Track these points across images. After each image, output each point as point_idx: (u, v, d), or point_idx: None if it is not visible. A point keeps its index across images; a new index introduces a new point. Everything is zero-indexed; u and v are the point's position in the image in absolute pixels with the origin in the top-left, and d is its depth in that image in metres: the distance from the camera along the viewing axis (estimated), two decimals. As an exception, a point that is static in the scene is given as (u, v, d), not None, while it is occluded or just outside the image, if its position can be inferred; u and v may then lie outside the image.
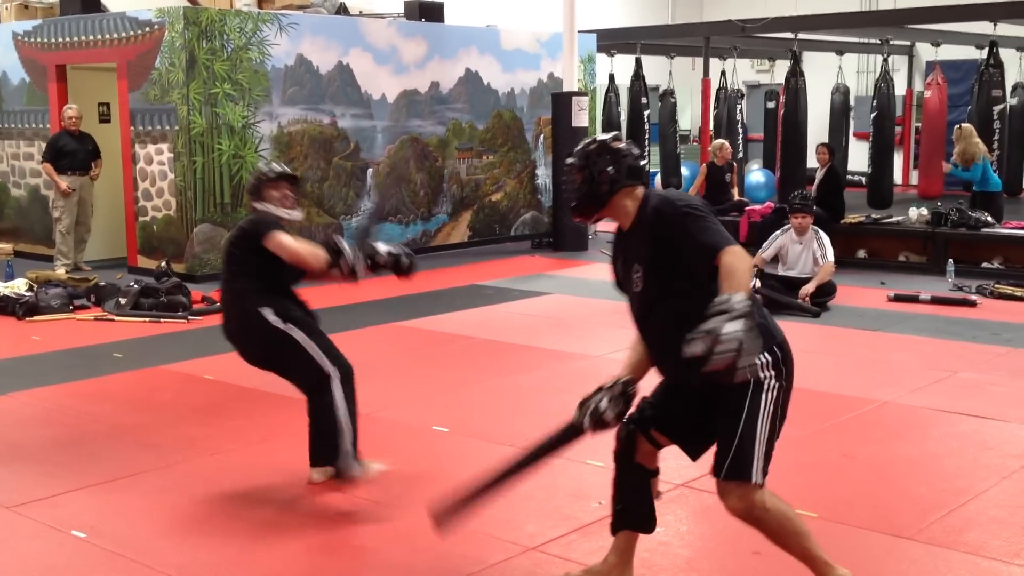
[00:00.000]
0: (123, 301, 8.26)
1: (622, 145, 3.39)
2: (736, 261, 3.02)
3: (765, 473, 3.21)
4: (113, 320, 8.04)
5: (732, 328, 2.79)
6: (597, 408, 3.35)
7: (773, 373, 3.24)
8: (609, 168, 3.30)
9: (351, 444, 4.40)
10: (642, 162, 3.41)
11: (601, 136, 3.44)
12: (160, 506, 4.32)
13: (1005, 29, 13.72)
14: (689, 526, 4.13)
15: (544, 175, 12.83)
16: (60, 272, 9.59)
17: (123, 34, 10.11)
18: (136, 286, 8.34)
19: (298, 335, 4.40)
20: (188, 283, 8.89)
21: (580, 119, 11.95)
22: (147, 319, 7.99)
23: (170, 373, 6.48)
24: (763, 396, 3.20)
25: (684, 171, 16.60)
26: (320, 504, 4.33)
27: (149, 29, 9.88)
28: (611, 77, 15.68)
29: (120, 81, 10.20)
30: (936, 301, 8.57)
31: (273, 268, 4.44)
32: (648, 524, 3.52)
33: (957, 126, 11.26)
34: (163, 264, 9.18)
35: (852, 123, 17.13)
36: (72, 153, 10.21)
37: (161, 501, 4.37)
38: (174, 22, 9.68)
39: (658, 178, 16.49)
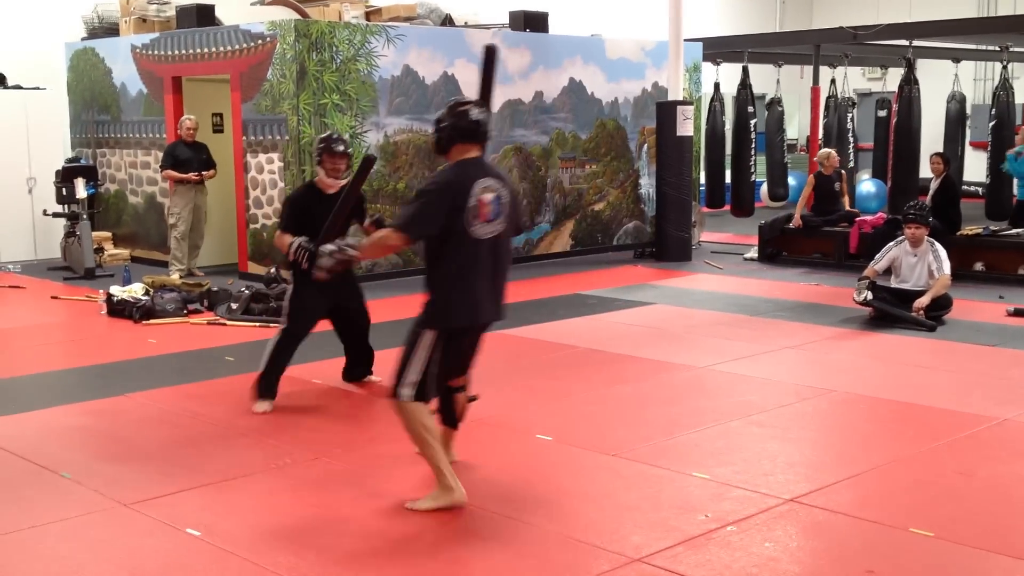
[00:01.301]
0: (234, 306, 8.46)
1: (468, 108, 4.29)
2: (381, 236, 4.37)
3: (416, 390, 4.26)
4: (225, 324, 8.25)
5: (327, 259, 4.70)
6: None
7: (431, 330, 4.28)
8: (445, 123, 4.29)
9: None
10: (480, 127, 4.27)
11: (461, 98, 4.40)
12: (271, 507, 4.41)
13: None
14: (799, 542, 4.03)
15: (647, 185, 12.74)
16: (175, 277, 9.89)
17: (236, 46, 10.38)
18: (247, 291, 8.54)
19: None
20: (296, 289, 9.06)
21: (685, 128, 11.83)
22: (257, 323, 8.18)
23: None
24: (419, 338, 4.28)
25: (791, 181, 16.30)
26: (428, 511, 4.35)
27: (261, 42, 10.13)
28: (716, 86, 15.48)
29: (233, 92, 10.48)
30: (1058, 316, 8.24)
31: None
32: (451, 422, 4.77)
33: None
34: (272, 270, 9.38)
35: (968, 132, 16.59)
36: (187, 162, 10.52)
37: (272, 502, 4.46)
38: (285, 35, 9.91)
39: (764, 187, 16.23)
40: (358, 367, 6.43)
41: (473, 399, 4.91)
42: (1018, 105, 16.02)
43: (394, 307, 9.19)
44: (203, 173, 10.56)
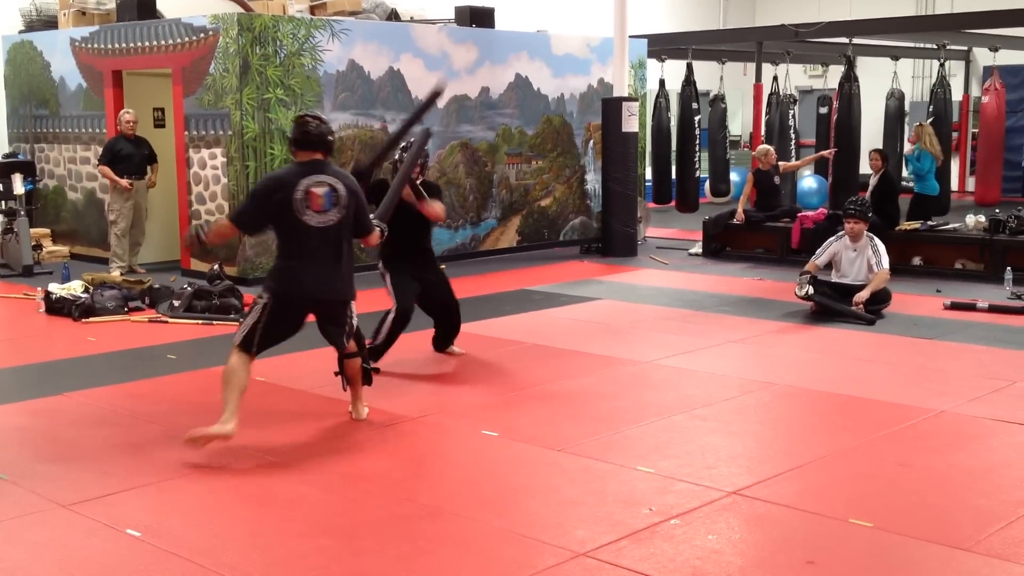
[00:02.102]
0: (176, 303, 8.36)
1: (306, 121, 5.12)
2: (221, 222, 5.50)
3: (242, 340, 5.07)
4: (167, 322, 8.15)
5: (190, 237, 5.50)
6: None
7: (266, 295, 5.06)
8: (290, 133, 5.25)
9: None
10: (309, 137, 5.07)
11: (306, 112, 5.31)
12: (213, 506, 4.36)
13: (1065, 33, 13.46)
14: (742, 534, 4.08)
15: (593, 180, 12.80)
16: (115, 274, 9.74)
17: (178, 40, 10.25)
18: (189, 289, 8.44)
19: None
20: (240, 286, 8.98)
21: (630, 124, 11.91)
22: (200, 321, 8.09)
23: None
24: (256, 301, 5.11)
25: (734, 177, 16.48)
26: (371, 507, 4.34)
27: (204, 35, 10.01)
28: (661, 82, 15.61)
29: (175, 86, 10.35)
30: (994, 309, 8.42)
31: None
32: (346, 383, 5.53)
33: (919, 124, 11.55)
34: (215, 267, 9.28)
35: (907, 129, 16.90)
36: (128, 157, 10.37)
37: (214, 501, 4.42)
38: (228, 28, 9.80)
39: (708, 184, 16.39)
40: (442, 339, 6.99)
41: (373, 370, 5.65)
42: (955, 102, 16.36)
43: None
44: (145, 177, 10.44)
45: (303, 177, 5.02)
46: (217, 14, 10.10)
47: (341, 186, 5.10)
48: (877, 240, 8.53)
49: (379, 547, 3.92)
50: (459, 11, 12.19)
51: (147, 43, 10.51)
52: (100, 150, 10.67)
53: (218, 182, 10.07)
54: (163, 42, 10.37)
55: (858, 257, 8.43)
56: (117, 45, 10.80)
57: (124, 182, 10.30)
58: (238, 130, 9.82)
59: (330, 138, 5.18)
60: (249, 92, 9.78)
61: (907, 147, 10.85)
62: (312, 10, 11.63)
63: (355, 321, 5.37)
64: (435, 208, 6.48)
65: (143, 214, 10.59)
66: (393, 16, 11.72)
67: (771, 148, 12.10)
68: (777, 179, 11.76)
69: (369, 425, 5.47)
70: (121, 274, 9.89)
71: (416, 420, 5.56)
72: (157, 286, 8.94)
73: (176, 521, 4.17)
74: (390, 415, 5.63)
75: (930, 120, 14.29)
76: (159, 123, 11.31)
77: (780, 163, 11.92)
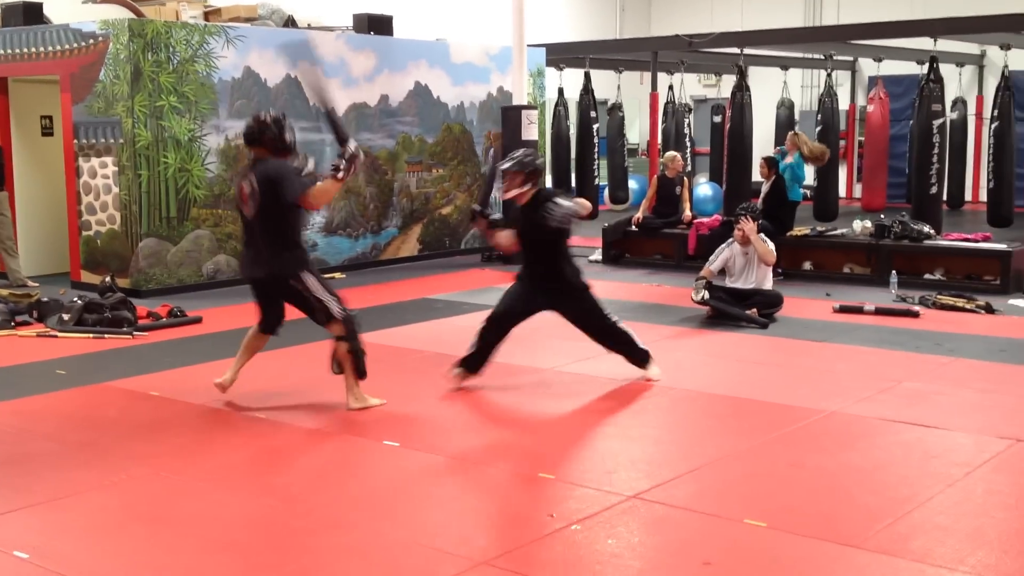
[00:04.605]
0: (66, 317, 8.11)
1: (268, 121, 5.70)
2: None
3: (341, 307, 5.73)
4: (56, 336, 7.90)
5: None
6: None
7: (306, 272, 5.70)
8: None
9: None
10: (263, 134, 5.65)
11: (259, 114, 5.78)
12: (105, 525, 4.25)
13: (944, 45, 14.01)
14: (641, 537, 4.14)
15: (494, 189, 12.82)
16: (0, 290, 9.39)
17: (66, 46, 9.97)
18: (79, 302, 8.19)
19: None
20: (133, 298, 8.77)
21: (529, 132, 11.97)
22: (91, 335, 7.86)
23: (115, 390, 6.37)
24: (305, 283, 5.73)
25: (632, 184, 16.73)
26: (269, 521, 4.28)
27: (93, 41, 9.75)
28: (560, 91, 15.77)
29: (63, 94, 10.05)
30: (880, 312, 8.71)
31: None
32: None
33: (793, 133, 11.79)
34: (107, 279, 9.04)
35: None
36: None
37: (106, 520, 4.30)
38: (119, 34, 9.57)
39: (607, 191, 16.59)
40: (630, 359, 6.49)
41: (354, 351, 5.79)
42: (842, 111, 16.89)
43: (235, 315, 9.03)
44: None
45: (243, 175, 5.80)
46: (107, 20, 9.85)
47: (256, 182, 5.63)
48: (765, 237, 8.72)
49: (278, 562, 3.87)
50: (357, 18, 12.12)
51: (34, 49, 10.19)
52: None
53: (109, 191, 9.81)
54: (50, 48, 10.07)
55: (748, 262, 8.63)
56: (2, 51, 10.45)
57: None
58: (130, 138, 9.58)
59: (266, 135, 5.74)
60: (141, 99, 9.56)
61: (788, 158, 11.13)
62: (206, 16, 11.42)
63: (325, 301, 5.68)
64: (500, 239, 6.49)
65: (6, 223, 10.11)
66: (290, 23, 11.59)
67: (678, 155, 12.14)
68: (679, 189, 11.89)
69: (267, 439, 5.40)
70: (9, 290, 9.54)
71: (316, 432, 5.51)
72: (45, 299, 8.65)
73: (66, 542, 4.05)
74: (288, 427, 5.56)
75: (818, 129, 14.75)
76: (47, 131, 10.97)
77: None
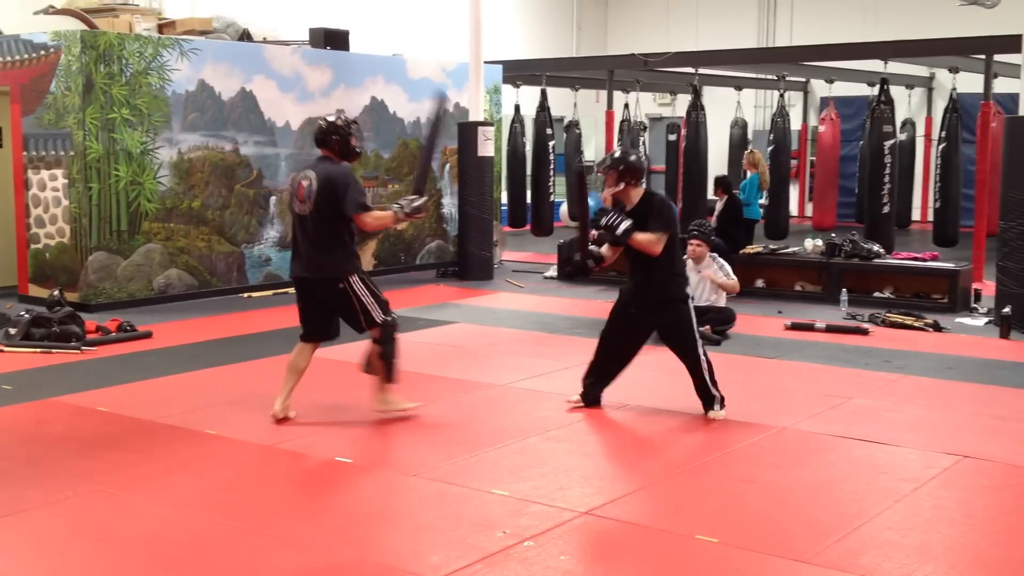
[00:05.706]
0: (13, 331, 7.97)
1: (338, 123, 5.76)
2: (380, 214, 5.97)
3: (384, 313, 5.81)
4: (2, 351, 7.76)
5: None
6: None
7: (356, 277, 5.74)
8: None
9: None
10: (331, 136, 5.73)
11: (331, 116, 5.81)
12: (50, 544, 4.17)
13: (895, 67, 14.27)
14: (593, 554, 4.14)
15: (450, 204, 12.84)
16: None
17: (16, 57, 9.83)
18: (27, 315, 8.06)
19: None
20: (82, 312, 8.63)
21: (486, 149, 12.01)
22: (38, 350, 7.73)
23: (62, 405, 6.27)
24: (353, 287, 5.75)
25: (590, 201, 16.77)
26: (218, 540, 4.23)
27: (44, 52, 9.63)
28: (517, 108, 15.82)
29: (13, 105, 9.91)
30: (831, 329, 8.81)
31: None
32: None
33: (751, 151, 12.02)
34: (55, 293, 8.90)
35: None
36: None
37: (51, 539, 4.22)
38: (71, 45, 9.45)
39: (563, 207, 16.65)
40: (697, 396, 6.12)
41: (385, 356, 5.84)
42: (794, 131, 17.12)
43: (185, 330, 8.94)
44: None
45: (300, 171, 5.89)
46: (59, 31, 9.73)
47: (316, 179, 5.68)
48: (721, 260, 8.83)
49: (227, 580, 3.82)
50: (313, 33, 12.08)
51: (-18, 59, 10.05)
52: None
53: (59, 204, 9.67)
54: (1, 59, 9.93)
55: (701, 280, 8.69)
56: (-51, 60, 10.28)
57: None
58: (80, 151, 9.46)
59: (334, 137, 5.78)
60: (92, 111, 9.45)
61: (748, 173, 11.24)
62: (160, 29, 11.31)
63: (370, 308, 5.74)
64: (606, 253, 6.49)
65: None
66: (245, 36, 11.52)
67: None
68: None
69: (217, 455, 5.33)
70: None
71: (267, 448, 5.45)
72: (-8, 313, 8.51)
73: (9, 562, 3.97)
74: (239, 444, 5.50)
75: (770, 148, 14.92)
76: (-5, 142, 10.81)
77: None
